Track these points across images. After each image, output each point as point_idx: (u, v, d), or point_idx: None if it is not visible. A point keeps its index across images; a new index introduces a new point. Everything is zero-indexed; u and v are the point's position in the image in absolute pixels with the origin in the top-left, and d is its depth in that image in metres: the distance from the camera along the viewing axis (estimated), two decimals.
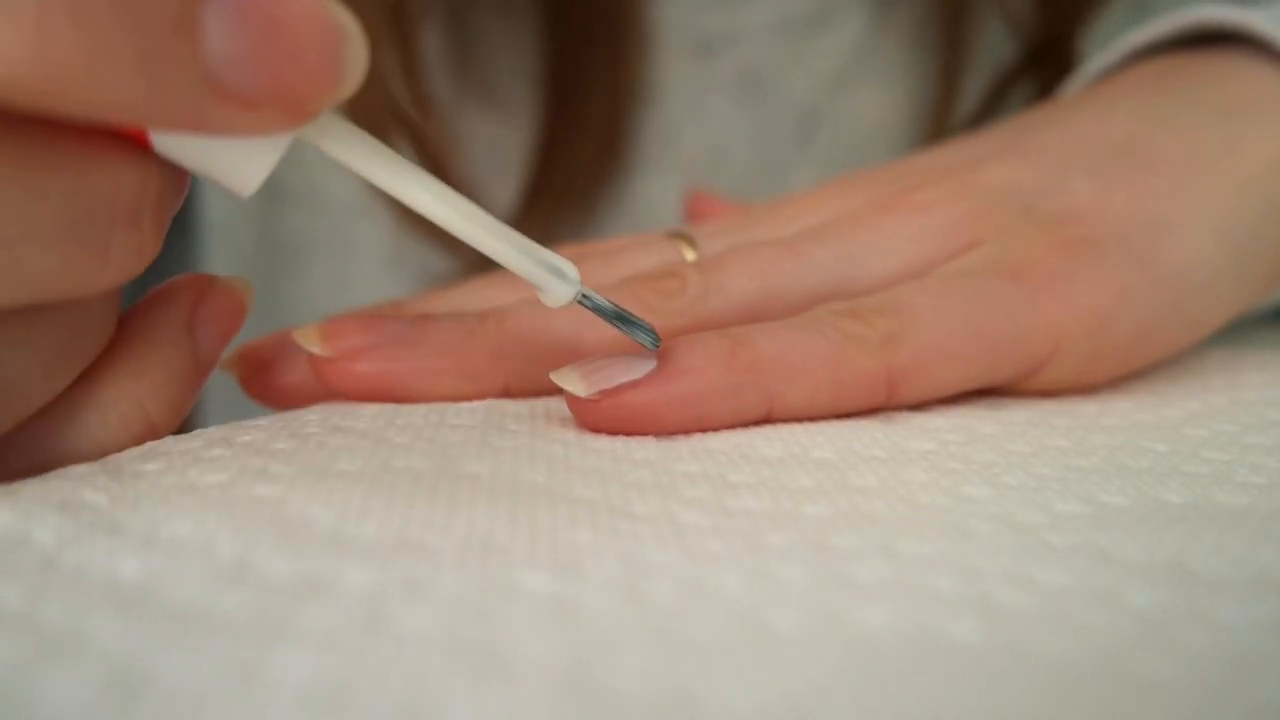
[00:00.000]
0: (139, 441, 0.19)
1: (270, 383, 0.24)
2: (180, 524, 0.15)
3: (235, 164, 0.16)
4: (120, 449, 0.19)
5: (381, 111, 0.35)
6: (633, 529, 0.16)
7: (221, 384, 0.45)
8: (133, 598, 0.13)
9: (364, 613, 0.13)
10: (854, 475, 0.19)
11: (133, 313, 0.20)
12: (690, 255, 0.26)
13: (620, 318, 0.20)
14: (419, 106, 0.36)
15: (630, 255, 0.26)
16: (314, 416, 0.20)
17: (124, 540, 0.14)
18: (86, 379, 0.18)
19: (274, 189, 0.41)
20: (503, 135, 0.39)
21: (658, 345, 0.21)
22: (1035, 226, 0.25)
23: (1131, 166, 0.26)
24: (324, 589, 0.13)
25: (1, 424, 0.17)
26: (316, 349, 0.22)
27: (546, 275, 0.19)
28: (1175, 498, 0.18)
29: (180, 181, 0.18)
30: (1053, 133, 0.27)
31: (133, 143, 0.16)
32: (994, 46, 0.40)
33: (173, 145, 0.16)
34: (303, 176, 0.41)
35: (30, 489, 0.16)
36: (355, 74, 0.15)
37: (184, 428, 0.20)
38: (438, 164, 0.36)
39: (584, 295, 0.20)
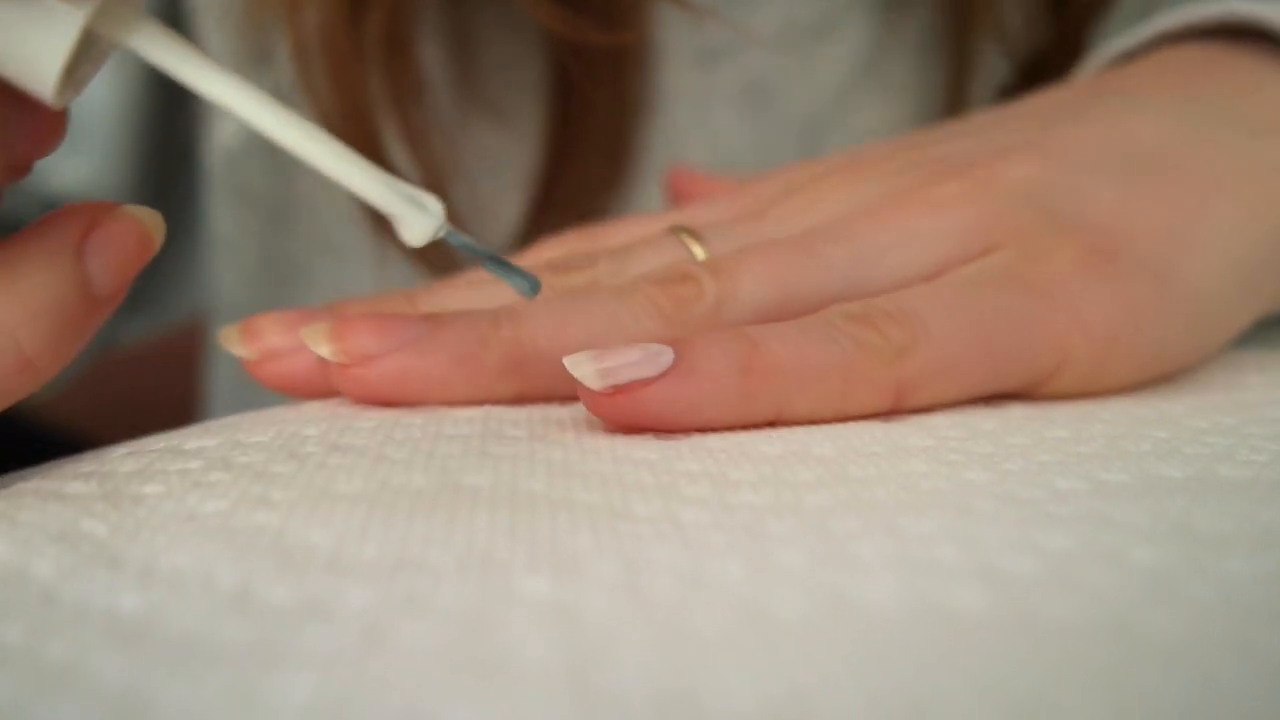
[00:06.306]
0: (14, 376, 0.18)
1: (277, 370, 0.24)
2: (180, 555, 0.15)
3: (27, 55, 0.15)
4: None
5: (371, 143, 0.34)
6: (634, 530, 0.16)
7: (226, 379, 0.45)
8: (133, 630, 0.13)
9: (364, 632, 0.13)
10: (854, 468, 0.19)
11: (9, 240, 0.18)
12: (699, 252, 0.26)
13: (494, 260, 0.19)
14: (412, 134, 0.35)
15: (639, 257, 0.26)
16: (313, 432, 0.20)
17: (124, 573, 0.14)
18: None
19: (274, 213, 0.41)
20: (508, 150, 0.38)
21: (536, 292, 0.20)
22: (1054, 233, 0.24)
23: (1156, 178, 0.25)
24: (325, 613, 0.13)
25: None
26: (325, 351, 0.22)
27: (405, 206, 0.18)
28: (1177, 473, 0.18)
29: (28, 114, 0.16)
30: (1079, 129, 0.27)
31: None
32: (1000, 59, 0.39)
33: None
34: (304, 200, 0.41)
35: (28, 516, 0.16)
36: None
37: (190, 421, 0.19)
38: (440, 181, 0.36)
39: (449, 231, 0.19)
